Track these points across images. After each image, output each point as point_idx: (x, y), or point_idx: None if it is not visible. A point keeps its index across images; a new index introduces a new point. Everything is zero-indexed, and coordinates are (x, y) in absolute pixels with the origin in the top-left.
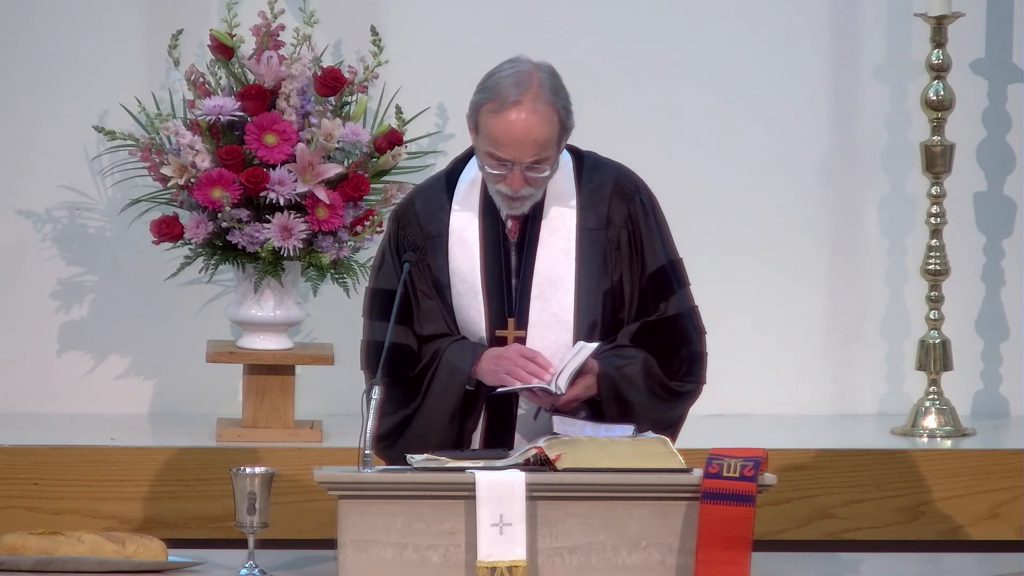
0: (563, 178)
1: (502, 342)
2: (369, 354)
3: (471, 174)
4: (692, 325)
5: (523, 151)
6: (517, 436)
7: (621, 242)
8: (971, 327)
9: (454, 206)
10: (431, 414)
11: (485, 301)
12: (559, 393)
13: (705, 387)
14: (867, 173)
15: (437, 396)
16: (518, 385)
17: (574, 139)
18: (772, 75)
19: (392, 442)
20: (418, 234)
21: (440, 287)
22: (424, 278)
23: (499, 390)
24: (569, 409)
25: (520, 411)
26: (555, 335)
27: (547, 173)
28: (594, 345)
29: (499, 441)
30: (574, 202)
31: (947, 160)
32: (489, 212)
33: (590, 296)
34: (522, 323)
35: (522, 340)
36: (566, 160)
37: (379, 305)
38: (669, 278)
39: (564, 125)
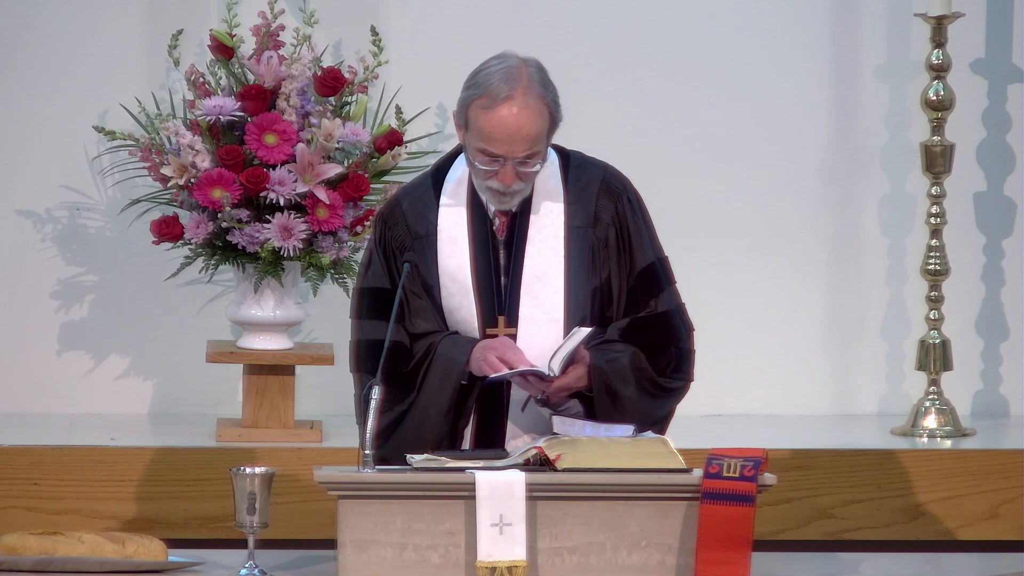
0: (550, 176)
1: None
2: (360, 353)
3: (458, 172)
4: (681, 322)
5: (515, 146)
6: (509, 425)
7: (609, 240)
8: (971, 327)
9: (442, 205)
10: (426, 409)
11: (476, 300)
12: (552, 376)
13: (705, 387)
14: (867, 173)
15: (433, 389)
16: (508, 371)
17: (573, 138)
18: (772, 75)
19: (385, 440)
20: (406, 234)
21: (428, 287)
22: (414, 277)
23: (492, 376)
24: (558, 400)
25: (513, 396)
26: (545, 332)
27: (538, 168)
28: (588, 329)
29: (491, 432)
30: (561, 200)
31: (947, 160)
32: (477, 210)
33: (579, 293)
34: (512, 321)
35: (513, 338)
36: (552, 159)
37: (369, 305)
38: (658, 275)
39: (554, 119)
